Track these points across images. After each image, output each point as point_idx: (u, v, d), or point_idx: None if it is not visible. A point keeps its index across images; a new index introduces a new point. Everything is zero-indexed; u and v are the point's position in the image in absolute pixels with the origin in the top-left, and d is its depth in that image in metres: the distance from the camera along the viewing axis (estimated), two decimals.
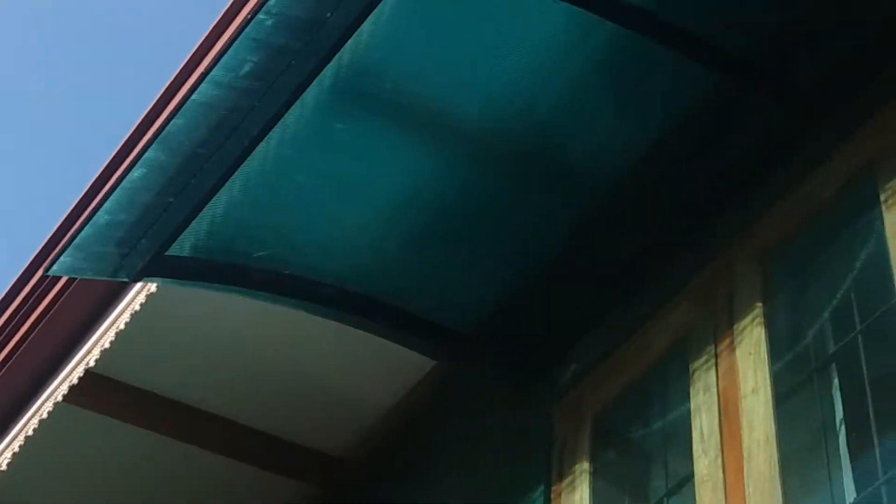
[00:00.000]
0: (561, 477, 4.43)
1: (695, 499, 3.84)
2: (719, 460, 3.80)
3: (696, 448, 3.92)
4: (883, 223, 3.56)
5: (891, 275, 3.44)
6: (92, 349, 4.90)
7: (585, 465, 4.35)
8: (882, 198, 3.57)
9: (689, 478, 3.94)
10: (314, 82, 3.68)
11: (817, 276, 4.08)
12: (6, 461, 5.23)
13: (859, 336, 3.68)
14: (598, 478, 4.35)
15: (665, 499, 4.26)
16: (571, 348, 4.66)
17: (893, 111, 3.71)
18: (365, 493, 5.66)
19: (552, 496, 4.41)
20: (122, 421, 5.32)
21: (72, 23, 20.56)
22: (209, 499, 5.76)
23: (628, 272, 4.50)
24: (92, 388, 5.05)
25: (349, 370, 5.28)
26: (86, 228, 3.83)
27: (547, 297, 4.71)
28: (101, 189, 4.77)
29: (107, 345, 4.81)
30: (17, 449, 5.17)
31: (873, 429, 3.56)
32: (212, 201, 3.92)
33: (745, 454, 3.71)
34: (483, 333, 4.78)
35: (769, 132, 4.14)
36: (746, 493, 3.64)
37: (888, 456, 3.49)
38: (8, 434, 5.30)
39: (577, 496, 4.31)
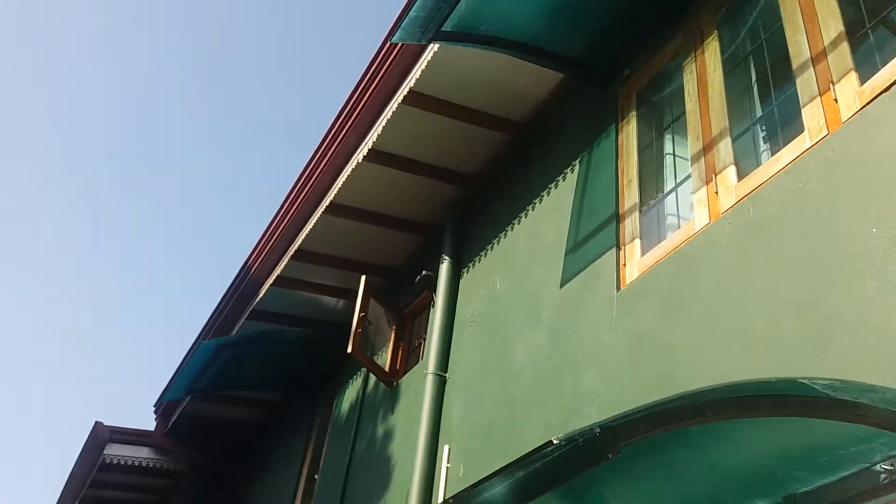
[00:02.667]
0: (622, 119, 4.76)
1: (686, 124, 4.20)
2: (698, 103, 4.10)
3: (687, 97, 4.24)
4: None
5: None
6: (413, 75, 5.28)
7: (633, 113, 4.70)
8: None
9: (683, 113, 4.29)
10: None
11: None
12: (372, 141, 5.62)
13: (764, 42, 4.10)
14: (639, 120, 4.68)
15: (672, 123, 4.57)
16: (626, 65, 4.91)
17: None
18: (533, 140, 5.69)
19: (619, 128, 4.71)
20: (415, 107, 5.61)
21: None
22: (447, 136, 5.99)
23: (649, 32, 4.75)
24: (412, 97, 5.45)
25: (531, 75, 5.43)
26: (405, 21, 4.32)
27: (614, 43, 4.94)
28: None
29: (418, 74, 5.21)
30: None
31: (771, 86, 4.04)
32: (457, 8, 4.32)
33: (710, 100, 4.04)
34: (585, 59, 5.04)
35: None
36: (711, 119, 3.98)
37: (780, 102, 3.90)
38: (379, 119, 5.59)
39: (630, 127, 4.65)
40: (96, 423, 10.09)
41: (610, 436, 1.71)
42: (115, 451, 10.06)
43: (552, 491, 2.29)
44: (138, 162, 34.85)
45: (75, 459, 10.81)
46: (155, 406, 9.92)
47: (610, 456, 1.69)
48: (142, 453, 10.21)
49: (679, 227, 4.09)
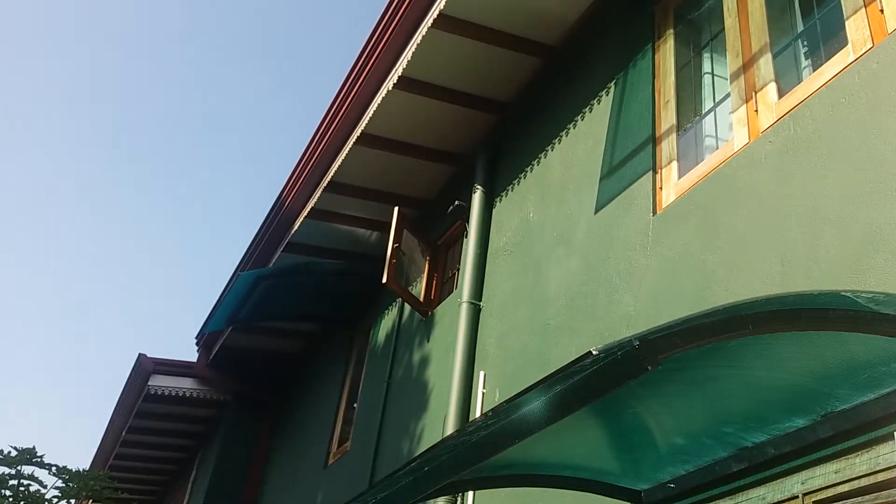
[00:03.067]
0: (659, 38, 4.60)
1: (725, 42, 3.99)
2: (738, 19, 3.97)
3: (726, 13, 4.08)
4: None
5: None
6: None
7: (671, 31, 4.55)
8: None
9: (722, 30, 4.06)
10: None
11: None
12: (402, 68, 5.52)
13: None
14: (676, 38, 4.53)
15: (711, 41, 4.36)
16: None
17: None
18: (567, 64, 5.64)
19: (655, 48, 4.57)
20: (445, 31, 5.51)
21: None
22: (478, 62, 5.92)
23: None
24: (440, 20, 5.33)
25: None
26: None
27: None
28: None
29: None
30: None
31: (815, 4, 3.82)
32: None
33: (750, 15, 3.89)
34: None
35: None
36: (751, 35, 3.83)
37: (823, 16, 3.75)
38: (409, 45, 5.49)
39: (667, 46, 4.48)
40: (140, 355, 10.40)
41: (649, 348, 1.73)
42: (159, 381, 10.40)
43: (588, 407, 2.32)
44: (182, 92, 34.93)
45: (121, 390, 11.19)
46: (197, 338, 10.18)
47: (649, 368, 1.71)
48: (185, 384, 10.54)
49: (717, 147, 4.01)
